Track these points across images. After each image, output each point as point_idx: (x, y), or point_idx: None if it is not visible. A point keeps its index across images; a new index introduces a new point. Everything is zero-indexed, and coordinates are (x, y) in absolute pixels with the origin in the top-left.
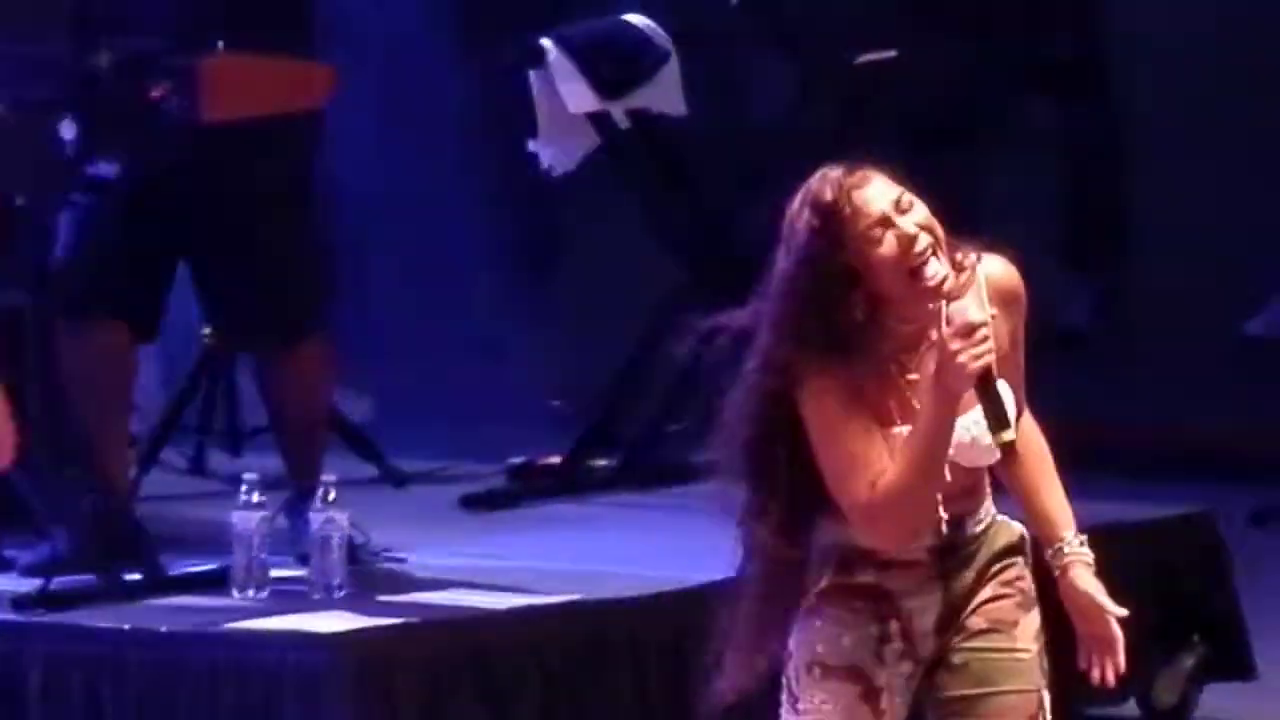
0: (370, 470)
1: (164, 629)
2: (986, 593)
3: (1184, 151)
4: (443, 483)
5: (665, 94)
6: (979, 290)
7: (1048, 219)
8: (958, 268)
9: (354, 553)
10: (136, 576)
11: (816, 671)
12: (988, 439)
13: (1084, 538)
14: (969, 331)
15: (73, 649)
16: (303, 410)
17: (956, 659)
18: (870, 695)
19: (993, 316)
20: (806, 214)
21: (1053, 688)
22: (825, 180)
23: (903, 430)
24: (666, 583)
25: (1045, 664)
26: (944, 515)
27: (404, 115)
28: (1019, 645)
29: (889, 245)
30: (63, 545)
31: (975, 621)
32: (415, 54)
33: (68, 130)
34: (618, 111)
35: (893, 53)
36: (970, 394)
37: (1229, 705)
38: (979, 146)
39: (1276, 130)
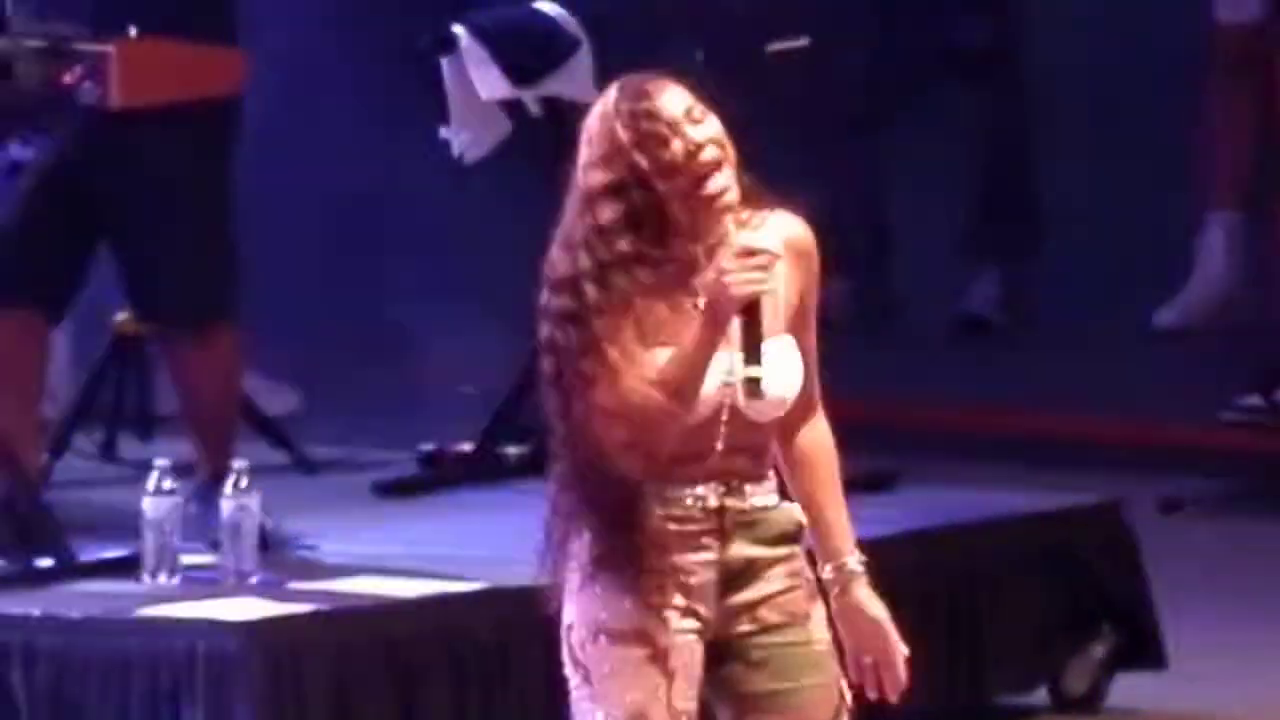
0: (282, 457)
1: (74, 614)
2: (776, 585)
3: (1093, 138)
4: (354, 470)
5: (577, 81)
6: (774, 244)
7: (955, 205)
8: (752, 211)
9: (265, 539)
10: (47, 562)
11: (603, 639)
12: (773, 391)
13: (863, 557)
14: (747, 254)
15: None
16: (213, 396)
17: (755, 655)
18: (657, 657)
19: (777, 254)
20: (604, 118)
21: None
22: (622, 86)
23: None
24: None
25: (835, 653)
26: (721, 482)
27: (313, 103)
28: (814, 637)
29: (675, 150)
30: None
31: (769, 614)
32: (324, 42)
33: None
34: (530, 98)
35: (805, 41)
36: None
37: (1140, 694)
38: (887, 133)
39: (1186, 118)
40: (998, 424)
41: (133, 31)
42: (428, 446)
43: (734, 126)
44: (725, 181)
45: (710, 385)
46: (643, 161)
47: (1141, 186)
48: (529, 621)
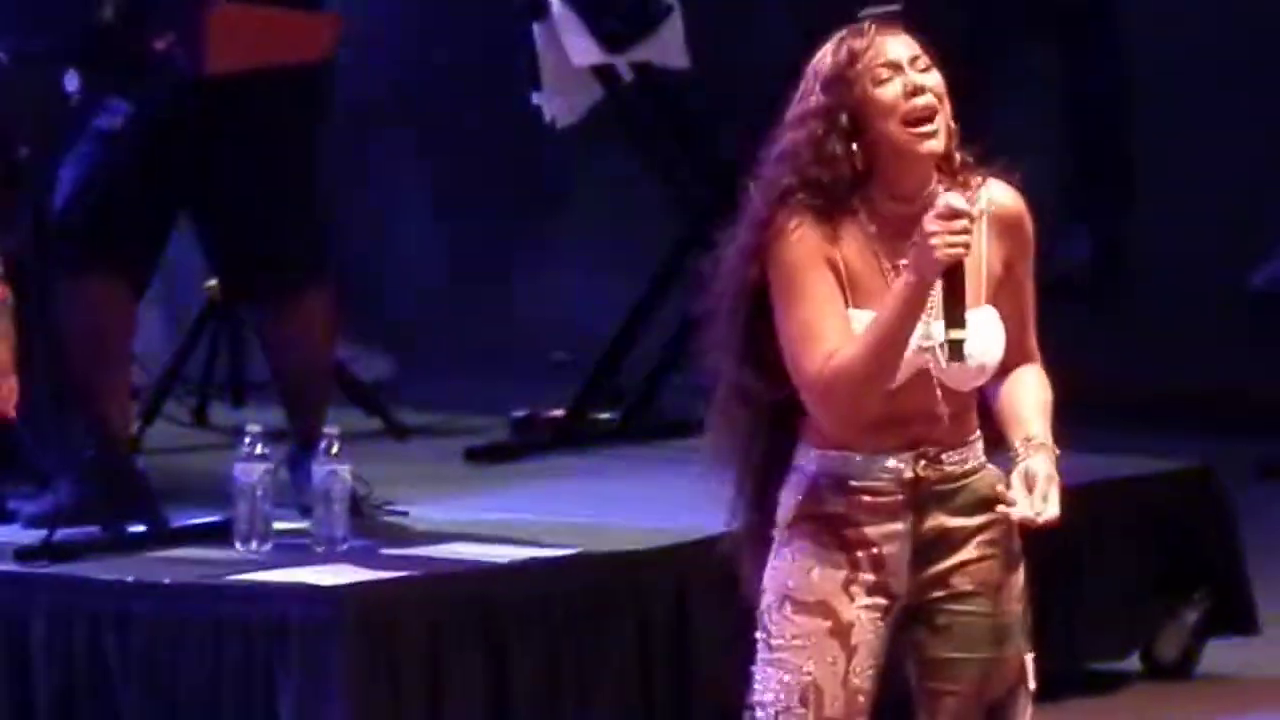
0: (374, 424)
1: (167, 581)
2: (972, 552)
3: (1189, 102)
4: (446, 436)
5: (669, 47)
6: (982, 212)
7: (1050, 165)
8: (964, 182)
9: (357, 505)
10: (140, 528)
11: (788, 607)
12: (972, 360)
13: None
14: (950, 215)
15: (76, 601)
16: (304, 363)
17: (940, 620)
18: (839, 630)
19: (976, 215)
20: (830, 50)
21: (1042, 645)
22: (857, 26)
23: (866, 313)
24: (669, 534)
25: (1028, 623)
26: (918, 450)
27: (411, 66)
28: (1003, 608)
29: (893, 88)
30: (65, 497)
31: (960, 581)
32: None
33: (71, 81)
34: (622, 64)
35: (897, 5)
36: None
37: (1233, 659)
38: (981, 93)
39: (1265, 69)
40: (1092, 386)
41: None
42: (520, 412)
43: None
44: (936, 127)
45: (909, 350)
46: (860, 94)
47: (1238, 148)
48: (621, 586)
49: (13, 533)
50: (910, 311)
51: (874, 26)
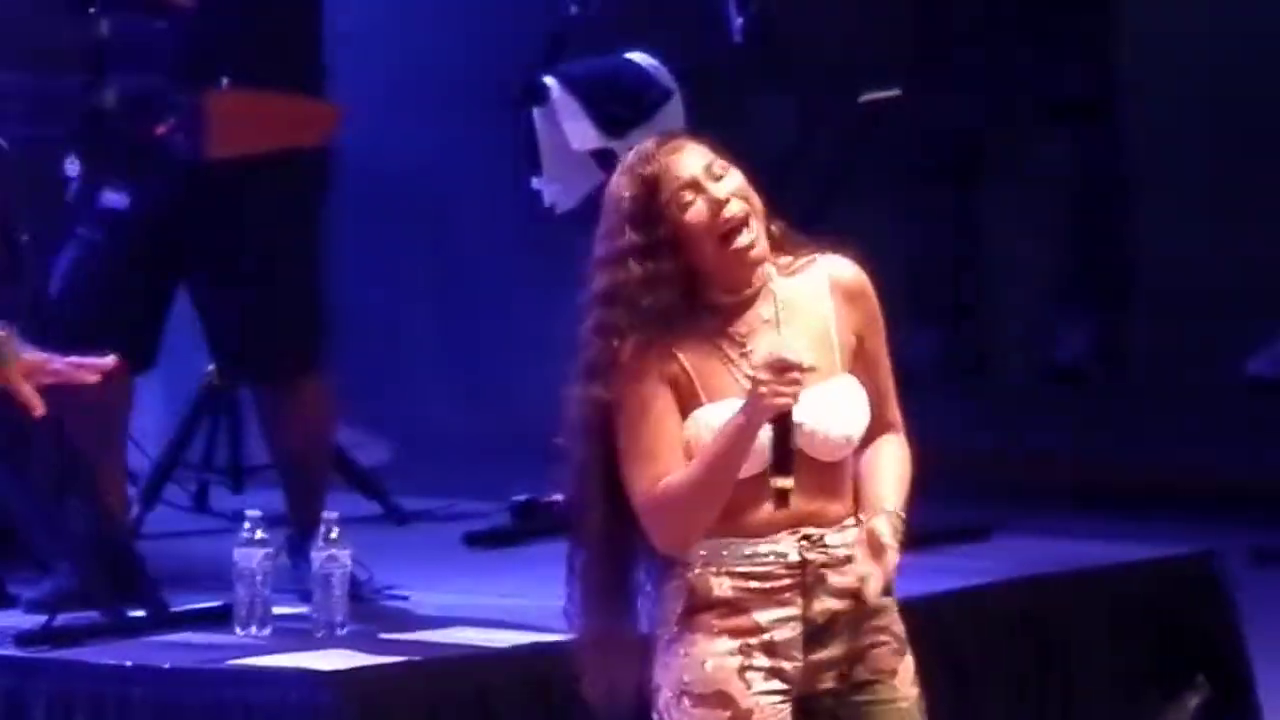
0: (374, 508)
1: (167, 665)
2: (863, 640)
3: (1185, 189)
4: (446, 521)
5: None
6: (821, 286)
7: (1050, 253)
8: (793, 255)
9: (357, 590)
10: (139, 612)
11: (686, 702)
12: (835, 430)
13: (901, 513)
14: (781, 369)
15: (76, 686)
16: (305, 447)
17: (842, 712)
18: (740, 718)
19: (806, 368)
20: (624, 182)
21: None
22: (642, 148)
23: (718, 406)
24: None
25: (923, 706)
26: (801, 532)
27: (406, 152)
28: (899, 694)
29: (698, 210)
30: (65, 581)
31: (856, 672)
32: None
33: (72, 166)
34: (621, 149)
35: (897, 91)
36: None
37: None
38: (983, 181)
39: (1265, 157)
40: (1090, 474)
41: (225, 82)
42: (520, 497)
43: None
44: (752, 235)
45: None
46: (670, 223)
47: (1235, 234)
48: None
49: (13, 617)
50: (738, 450)
51: (658, 146)
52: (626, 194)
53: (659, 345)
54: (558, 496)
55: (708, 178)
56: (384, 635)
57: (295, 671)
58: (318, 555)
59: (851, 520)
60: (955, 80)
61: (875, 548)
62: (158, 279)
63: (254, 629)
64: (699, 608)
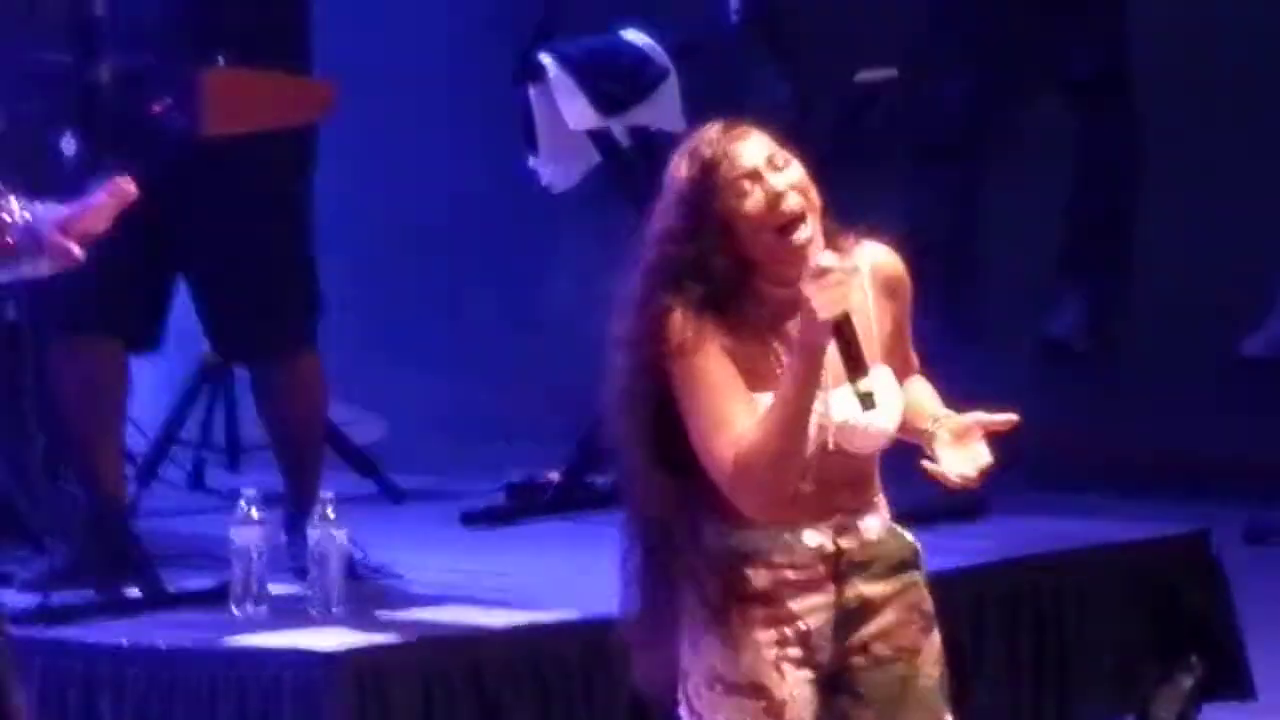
0: (369, 487)
1: (163, 645)
2: (889, 617)
3: (1181, 166)
4: (441, 499)
5: (665, 111)
6: (862, 278)
7: (1049, 230)
8: (837, 248)
9: (352, 569)
10: (135, 591)
11: (718, 688)
12: (865, 419)
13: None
14: (820, 274)
15: (71, 665)
16: (300, 425)
17: (862, 688)
18: (774, 710)
19: (851, 269)
20: (684, 164)
21: (1038, 708)
22: (704, 133)
23: (761, 397)
24: None
25: (946, 687)
26: (833, 521)
27: (404, 129)
28: (922, 671)
29: (756, 199)
30: (60, 560)
31: (879, 648)
32: (419, 72)
33: (68, 144)
34: (618, 128)
35: (893, 71)
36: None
37: None
38: (982, 161)
39: (1270, 139)
40: (1085, 451)
41: (220, 60)
42: (515, 476)
43: (818, 161)
44: (809, 231)
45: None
46: (725, 210)
47: (1230, 213)
48: (615, 651)
49: (8, 596)
50: (809, 380)
51: (722, 131)
52: (684, 174)
53: (711, 322)
54: (553, 475)
55: (769, 168)
56: (380, 614)
57: (291, 651)
58: (314, 534)
59: (883, 510)
60: (960, 61)
61: (963, 433)
62: (155, 258)
63: (250, 608)
64: (736, 597)
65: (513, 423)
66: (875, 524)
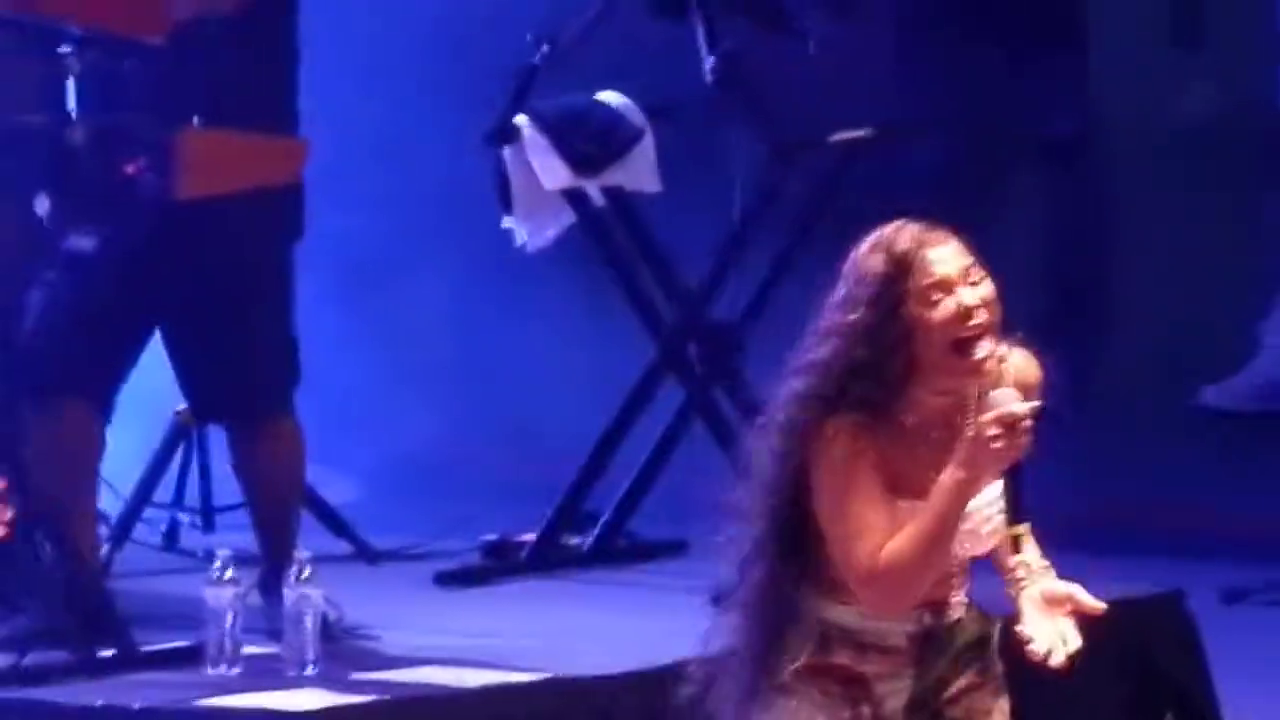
0: (344, 547)
1: (136, 705)
2: (961, 682)
3: (1142, 219)
4: (417, 560)
5: (640, 171)
6: (1005, 379)
7: (1026, 295)
8: (1000, 359)
9: (327, 630)
10: (109, 652)
11: None
12: (989, 527)
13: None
14: (1013, 422)
15: None
16: (275, 487)
17: None
18: None
19: (1034, 414)
20: (878, 258)
21: None
22: (902, 230)
23: (912, 504)
24: (637, 661)
25: None
26: (929, 610)
27: (382, 191)
28: None
29: (944, 310)
30: (34, 620)
31: (952, 712)
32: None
33: (41, 205)
34: (593, 188)
35: (867, 131)
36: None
37: None
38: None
39: (1234, 197)
40: (1056, 510)
41: (196, 121)
42: (490, 536)
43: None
44: (989, 349)
45: None
46: (912, 315)
47: (1200, 268)
48: (591, 712)
49: None
50: (960, 505)
51: (921, 231)
52: (874, 271)
53: (864, 426)
54: (528, 536)
55: (962, 280)
56: (355, 674)
57: (266, 711)
58: (289, 594)
59: (962, 597)
60: (933, 118)
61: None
62: (128, 318)
63: (224, 668)
64: (818, 665)
65: (487, 480)
66: (958, 598)
